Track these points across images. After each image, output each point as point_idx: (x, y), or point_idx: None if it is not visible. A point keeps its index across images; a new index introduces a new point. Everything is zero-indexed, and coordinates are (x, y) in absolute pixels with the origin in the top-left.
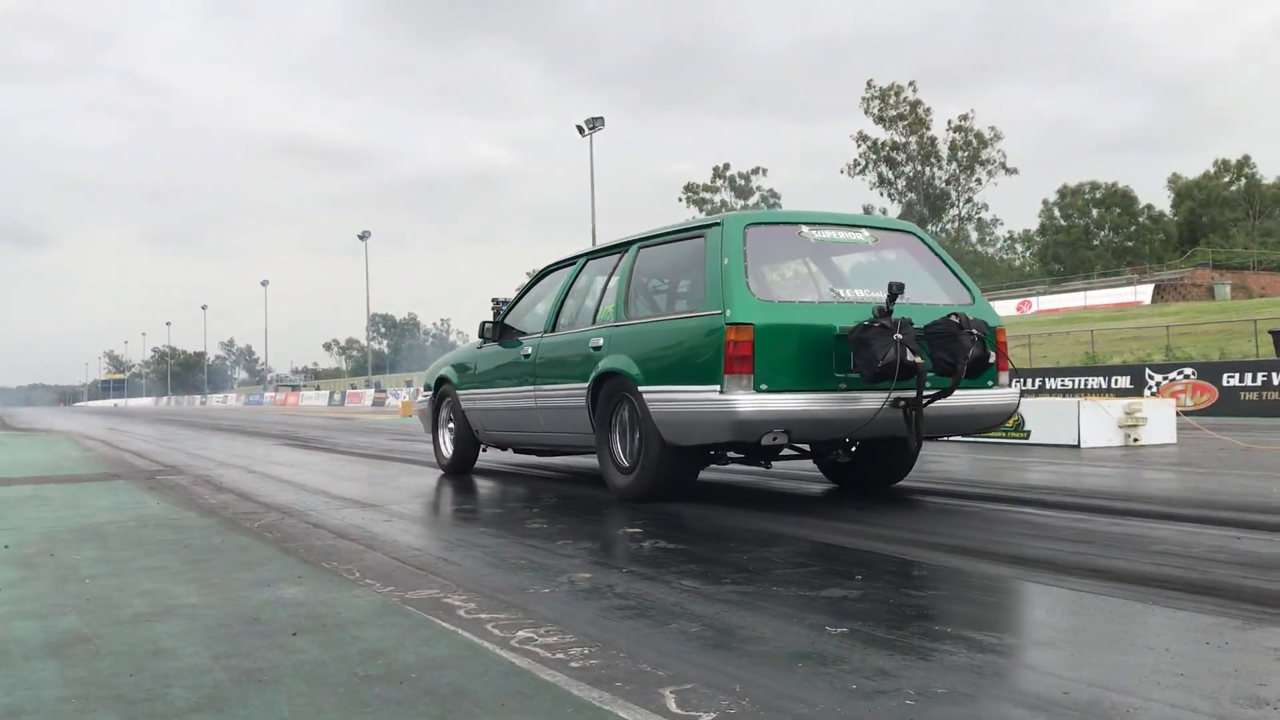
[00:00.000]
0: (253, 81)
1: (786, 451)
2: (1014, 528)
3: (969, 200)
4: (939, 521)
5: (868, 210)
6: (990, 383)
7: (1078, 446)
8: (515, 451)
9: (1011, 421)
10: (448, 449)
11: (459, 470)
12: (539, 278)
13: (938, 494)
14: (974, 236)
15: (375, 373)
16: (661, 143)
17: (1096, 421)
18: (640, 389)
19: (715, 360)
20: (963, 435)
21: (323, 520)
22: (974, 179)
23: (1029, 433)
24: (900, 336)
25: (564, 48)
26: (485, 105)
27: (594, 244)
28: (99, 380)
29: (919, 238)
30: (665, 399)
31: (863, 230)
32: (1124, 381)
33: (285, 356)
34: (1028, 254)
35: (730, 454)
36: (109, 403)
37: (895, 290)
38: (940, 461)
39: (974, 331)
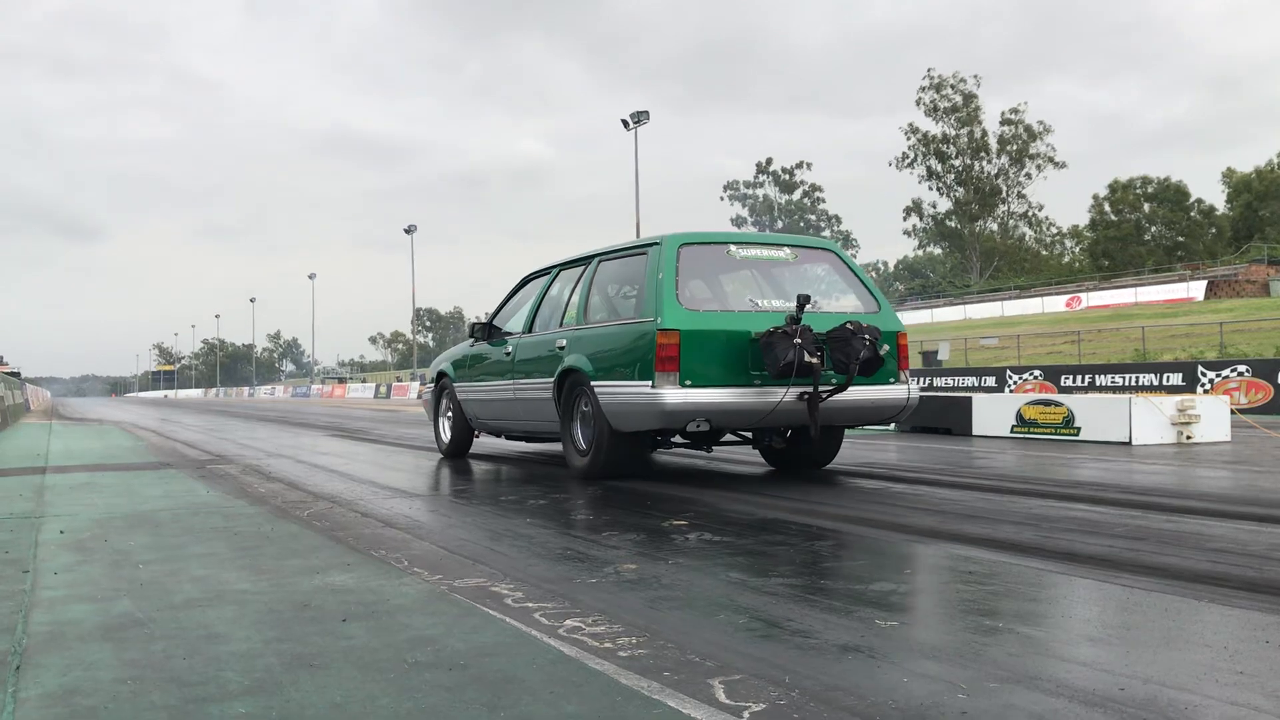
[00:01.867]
0: (298, 77)
1: (729, 438)
2: (1065, 524)
3: (1020, 195)
4: (988, 517)
5: (917, 204)
6: (892, 379)
7: (1129, 444)
8: (507, 438)
9: (1061, 417)
10: (446, 435)
11: (456, 454)
12: (522, 283)
13: (987, 490)
14: (1029, 235)
15: (420, 366)
16: (703, 138)
17: (1148, 418)
18: (592, 383)
19: (648, 360)
20: (862, 425)
21: (370, 509)
22: (1023, 173)
23: (1079, 430)
24: (799, 341)
25: (605, 43)
26: (527, 101)
27: (638, 236)
28: (149, 371)
29: (836, 254)
30: (611, 392)
31: (785, 249)
32: (1176, 379)
33: (332, 349)
34: (1077, 249)
35: (675, 440)
36: (159, 393)
37: (803, 301)
38: (989, 457)
39: (866, 337)
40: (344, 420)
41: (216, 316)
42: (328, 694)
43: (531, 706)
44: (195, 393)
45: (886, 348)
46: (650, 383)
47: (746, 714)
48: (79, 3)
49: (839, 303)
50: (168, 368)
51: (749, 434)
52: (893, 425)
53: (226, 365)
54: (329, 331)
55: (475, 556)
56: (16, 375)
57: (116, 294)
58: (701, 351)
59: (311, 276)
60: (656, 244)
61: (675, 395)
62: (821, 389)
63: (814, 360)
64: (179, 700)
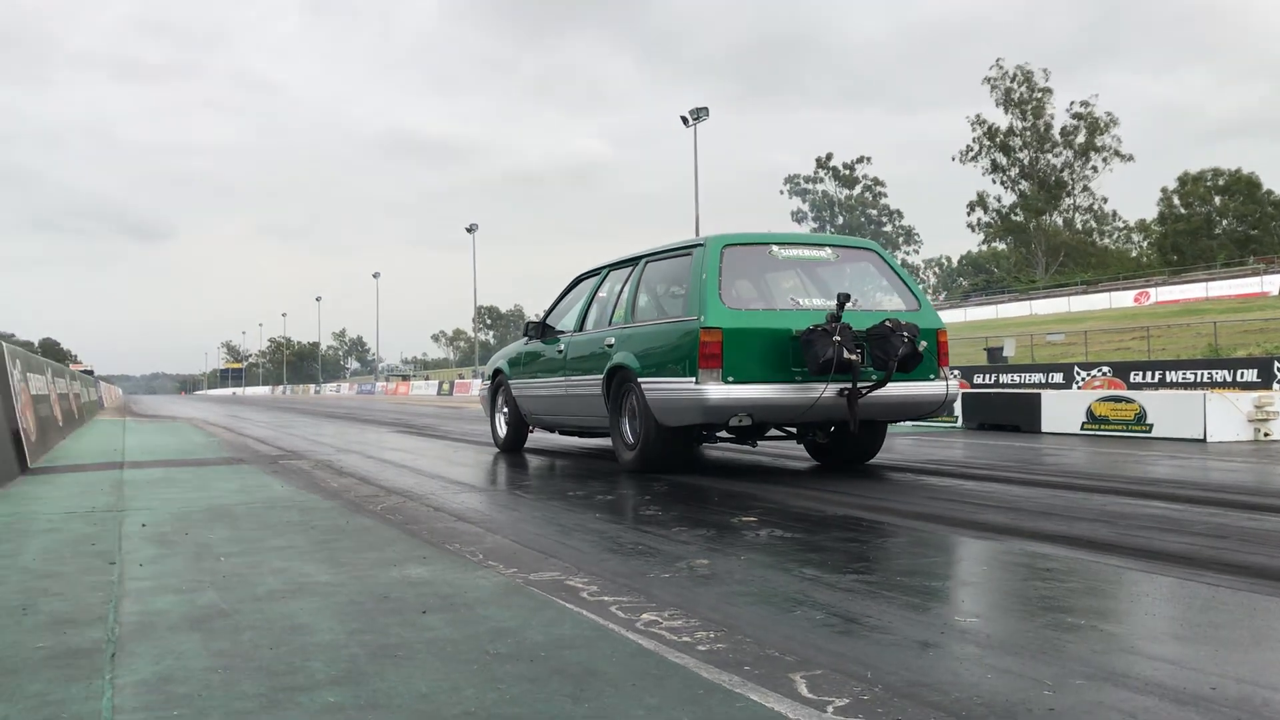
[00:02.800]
0: (358, 78)
1: (774, 433)
2: (1142, 521)
3: (1085, 189)
4: (1063, 514)
5: (981, 198)
6: (931, 376)
7: (1204, 441)
8: (560, 433)
9: (1133, 414)
10: (502, 429)
11: (511, 448)
12: (574, 283)
13: (1060, 487)
14: (1095, 229)
15: (482, 363)
16: (757, 133)
17: (1223, 415)
18: (639, 379)
19: (692, 357)
20: (901, 420)
21: (442, 504)
22: (1089, 166)
23: (1151, 426)
24: (838, 339)
25: (658, 41)
26: (583, 99)
27: (697, 233)
28: (218, 369)
29: (878, 253)
30: (656, 388)
31: (826, 248)
32: (1250, 375)
33: (395, 347)
34: (1145, 244)
35: (719, 435)
36: (227, 391)
37: (843, 299)
38: (1060, 454)
39: (904, 334)
40: (409, 417)
41: (283, 315)
42: (413, 684)
43: (614, 699)
44: (263, 390)
45: (925, 344)
46: (694, 379)
47: (830, 709)
48: (145, 7)
49: (880, 301)
50: (236, 365)
51: (793, 429)
52: (959, 422)
53: (293, 363)
54: (393, 329)
55: (548, 550)
56: (90, 373)
57: (184, 293)
58: (744, 349)
59: (376, 275)
60: (701, 245)
61: (718, 391)
62: (861, 385)
63: (853, 357)
64: (269, 689)
